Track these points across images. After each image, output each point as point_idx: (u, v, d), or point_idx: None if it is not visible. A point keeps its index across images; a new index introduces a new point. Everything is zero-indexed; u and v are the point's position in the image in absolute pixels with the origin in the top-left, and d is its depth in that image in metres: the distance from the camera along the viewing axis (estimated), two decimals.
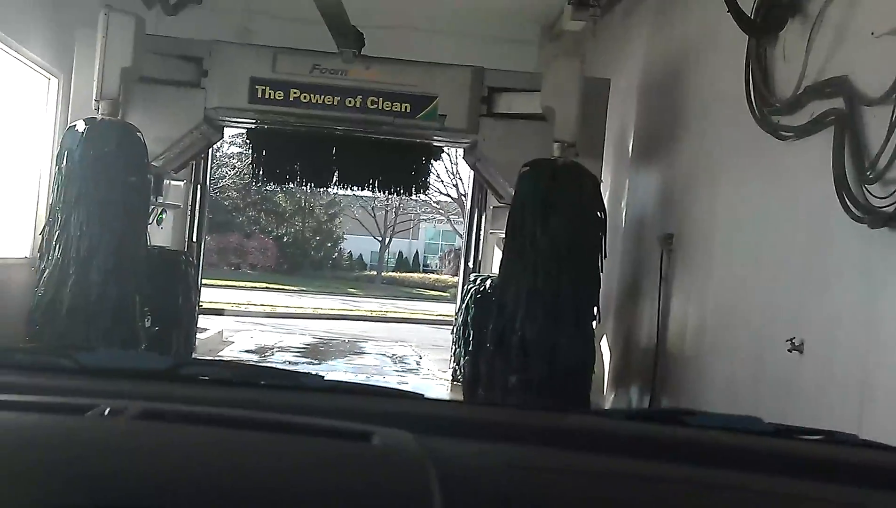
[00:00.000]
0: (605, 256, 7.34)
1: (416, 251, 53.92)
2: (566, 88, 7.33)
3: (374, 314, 27.79)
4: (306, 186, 9.76)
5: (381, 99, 8.08)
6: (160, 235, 9.88)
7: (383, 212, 47.01)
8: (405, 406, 1.68)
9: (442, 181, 33.43)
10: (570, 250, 7.04)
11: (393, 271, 48.77)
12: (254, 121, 8.56)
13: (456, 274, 48.10)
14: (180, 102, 8.07)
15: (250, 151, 9.23)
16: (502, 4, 10.28)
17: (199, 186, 11.48)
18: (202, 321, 18.12)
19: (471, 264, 11.89)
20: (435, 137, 8.62)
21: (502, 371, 7.01)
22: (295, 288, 37.94)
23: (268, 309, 25.57)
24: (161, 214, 9.90)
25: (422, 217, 49.51)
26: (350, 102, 8.08)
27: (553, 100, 7.43)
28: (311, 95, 8.07)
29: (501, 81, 8.27)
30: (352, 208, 48.10)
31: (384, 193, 10.13)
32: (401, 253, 52.77)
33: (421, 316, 28.67)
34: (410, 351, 17.49)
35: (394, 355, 16.97)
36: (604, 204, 7.35)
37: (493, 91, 8.21)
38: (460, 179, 32.38)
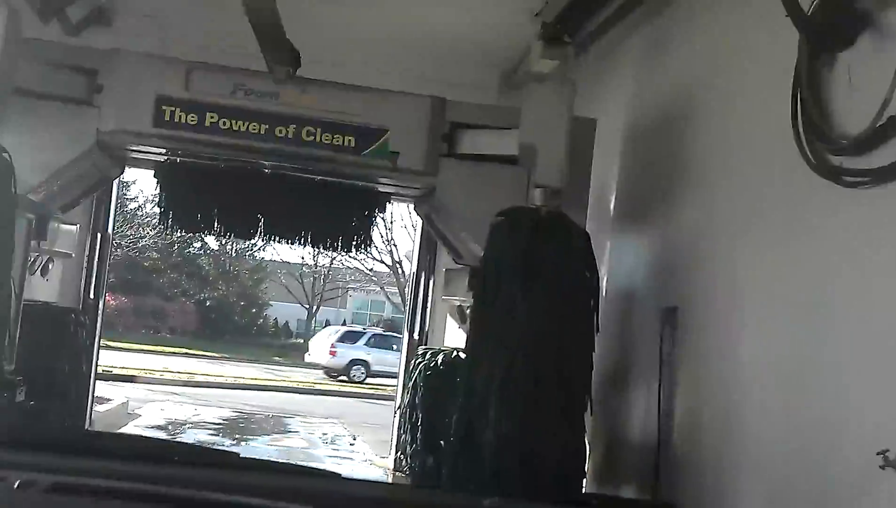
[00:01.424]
0: (598, 330, 5.86)
1: (344, 320, 52.80)
2: (552, 122, 5.92)
3: (300, 386, 25.89)
4: (225, 234, 8.13)
5: (318, 130, 6.58)
6: (45, 288, 8.19)
7: (311, 279, 45.56)
8: (321, 485, 1.70)
9: (376, 247, 31.87)
10: (557, 321, 5.56)
11: None
12: (160, 151, 6.94)
13: None
14: (67, 122, 6.47)
15: (157, 188, 7.61)
16: (459, 44, 8.88)
17: (99, 235, 9.79)
18: (107, 389, 16.23)
19: (416, 336, 10.32)
20: (383, 181, 7.10)
21: (470, 471, 5.44)
22: (216, 355, 36.12)
23: (184, 377, 23.59)
24: (46, 262, 8.20)
25: (351, 285, 48.19)
26: (281, 131, 6.57)
27: (535, 136, 6.00)
28: (233, 121, 6.54)
29: (466, 116, 6.83)
30: (279, 274, 46.78)
31: (318, 247, 8.54)
32: (328, 321, 51.54)
33: (351, 388, 26.87)
34: (342, 430, 15.88)
35: (324, 434, 15.37)
36: (596, 266, 5.89)
37: (455, 127, 6.77)
38: (395, 245, 30.86)
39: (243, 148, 6.60)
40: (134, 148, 6.88)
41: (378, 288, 43.59)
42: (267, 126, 6.55)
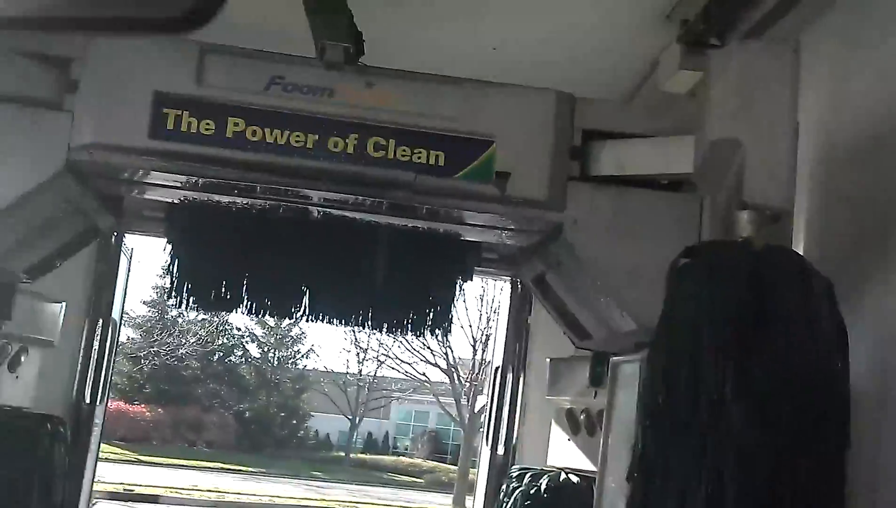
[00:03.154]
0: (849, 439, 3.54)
1: (387, 432, 50.88)
2: (770, 108, 3.76)
3: (342, 507, 23.31)
4: (255, 311, 5.97)
5: (392, 142, 4.48)
6: (14, 387, 6.12)
7: (355, 387, 43.53)
8: None
9: (429, 348, 29.47)
10: (800, 418, 3.30)
11: (361, 453, 45.01)
12: (162, 180, 4.83)
13: (429, 458, 44.43)
14: (26, 135, 4.43)
15: (166, 245, 5.57)
16: (565, 62, 6.69)
17: (100, 321, 7.64)
18: None
19: (499, 451, 7.95)
20: (479, 221, 4.93)
21: None
22: (254, 469, 33.81)
23: (214, 496, 21.22)
24: (17, 353, 6.16)
25: (396, 394, 46.02)
26: (336, 144, 4.47)
27: (738, 130, 3.82)
28: (267, 130, 4.45)
29: (606, 120, 4.70)
30: (321, 383, 44.95)
31: (380, 330, 6.30)
32: (370, 434, 49.61)
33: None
34: None
35: None
36: (846, 328, 3.60)
37: (590, 137, 4.62)
38: (450, 346, 28.40)
39: (281, 170, 4.47)
40: (125, 175, 4.76)
41: (428, 397, 41.09)
42: (317, 137, 4.46)
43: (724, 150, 3.92)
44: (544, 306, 5.81)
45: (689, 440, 3.37)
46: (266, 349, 46.51)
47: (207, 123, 4.43)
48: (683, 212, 4.44)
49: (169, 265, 5.63)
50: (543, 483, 6.23)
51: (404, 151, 4.46)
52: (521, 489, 6.35)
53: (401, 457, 46.25)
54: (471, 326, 26.72)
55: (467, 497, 25.39)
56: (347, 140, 4.44)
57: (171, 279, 5.64)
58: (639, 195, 4.55)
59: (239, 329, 46.36)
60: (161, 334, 39.47)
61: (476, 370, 27.89)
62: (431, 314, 5.92)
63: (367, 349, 41.34)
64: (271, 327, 46.09)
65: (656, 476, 3.48)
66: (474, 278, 6.40)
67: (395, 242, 5.42)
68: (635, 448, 3.65)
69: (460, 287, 5.96)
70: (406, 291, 5.82)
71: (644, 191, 4.55)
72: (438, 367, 29.31)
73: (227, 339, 45.74)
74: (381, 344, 38.12)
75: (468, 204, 4.62)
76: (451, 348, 28.42)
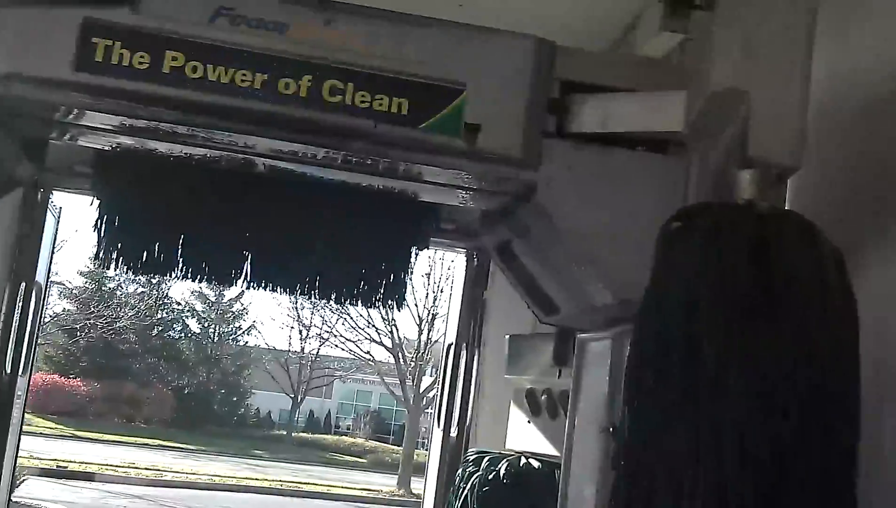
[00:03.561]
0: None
1: (329, 411, 50.54)
2: (779, 49, 3.36)
3: (284, 487, 22.74)
4: (191, 276, 5.46)
5: (350, 86, 4.01)
6: None
7: (297, 365, 42.98)
8: None
9: (374, 327, 28.90)
10: (806, 391, 2.91)
11: (303, 432, 44.54)
12: (86, 119, 4.28)
13: (371, 438, 44.08)
14: None
15: (94, 199, 5.03)
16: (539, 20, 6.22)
17: (23, 285, 7.05)
18: (54, 490, 13.41)
19: (452, 432, 7.53)
20: (439, 179, 4.47)
21: None
22: (193, 447, 33.11)
23: (151, 475, 20.55)
24: None
25: (338, 373, 45.55)
26: (288, 86, 3.99)
27: (740, 77, 3.42)
28: (210, 67, 3.95)
29: (586, 71, 4.27)
30: (263, 360, 44.36)
31: (329, 298, 5.80)
32: (312, 412, 49.23)
33: (341, 490, 23.72)
34: None
35: None
36: (855, 299, 3.21)
37: (570, 90, 4.18)
38: (395, 325, 27.90)
39: (223, 112, 3.97)
40: (46, 114, 4.21)
41: (371, 377, 40.60)
42: (266, 76, 3.97)
43: (725, 102, 3.51)
44: (507, 278, 5.36)
45: (685, 428, 2.96)
46: (206, 325, 45.73)
47: (142, 56, 3.91)
48: (669, 174, 4.03)
49: (96, 221, 5.10)
50: (502, 467, 5.84)
51: (363, 96, 3.98)
52: (478, 474, 5.94)
53: (343, 437, 45.83)
54: (416, 305, 26.32)
55: (412, 479, 25.04)
56: (300, 82, 3.94)
57: (98, 237, 5.11)
58: (621, 155, 4.12)
59: (179, 304, 45.60)
60: (98, 306, 38.51)
61: (422, 350, 27.50)
62: (384, 285, 5.47)
63: (309, 327, 40.80)
64: (212, 302, 45.37)
65: (644, 467, 3.07)
66: (428, 248, 5.96)
67: (347, 202, 4.95)
68: (619, 435, 3.24)
69: (416, 255, 5.52)
70: (357, 257, 5.36)
71: (627, 151, 4.12)
72: (384, 346, 28.83)
73: (166, 313, 44.91)
74: (324, 321, 37.59)
75: (432, 159, 4.15)
76: (396, 326, 27.98)
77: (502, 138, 4.04)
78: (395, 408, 48.92)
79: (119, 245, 5.16)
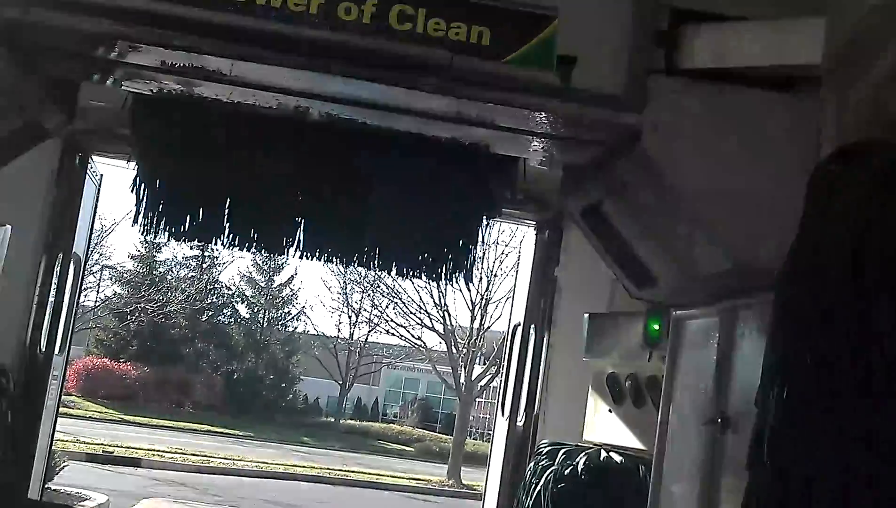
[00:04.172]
0: None
1: (376, 399, 50.32)
2: None
3: (333, 475, 22.28)
4: (240, 245, 4.95)
5: (421, 10, 3.40)
6: None
7: (346, 352, 42.62)
8: None
9: (426, 311, 28.25)
10: None
11: (351, 419, 44.27)
12: (118, 53, 3.74)
13: (418, 426, 43.64)
14: None
15: (132, 156, 4.53)
16: None
17: (60, 255, 6.62)
18: (101, 477, 13.13)
19: (518, 422, 6.94)
20: (526, 124, 3.88)
21: None
22: (241, 433, 32.84)
23: (198, 461, 20.19)
24: None
25: (386, 360, 45.12)
26: (349, 10, 3.38)
27: None
28: None
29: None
30: (312, 346, 44.08)
31: (392, 271, 5.24)
32: (359, 399, 49.03)
33: (391, 479, 23.22)
34: None
35: None
36: None
37: (680, 19, 3.57)
38: (446, 310, 27.24)
39: (274, 41, 3.39)
40: (71, 44, 3.67)
41: (419, 364, 40.04)
42: (323, 1, 3.38)
43: (882, 25, 2.85)
44: (594, 247, 4.75)
45: (853, 419, 2.32)
46: (256, 310, 45.46)
47: None
48: (800, 116, 3.38)
49: (134, 180, 4.58)
50: (581, 461, 5.23)
51: (437, 24, 3.38)
52: (553, 468, 5.35)
53: (390, 424, 45.34)
54: (469, 290, 25.59)
55: (462, 469, 24.49)
56: (363, 7, 3.35)
57: (137, 199, 4.60)
58: (742, 95, 3.48)
59: (229, 289, 45.42)
60: (149, 290, 38.38)
61: (474, 337, 26.85)
62: (450, 256, 4.89)
63: (359, 311, 40.32)
64: (262, 286, 45.14)
65: (796, 467, 2.43)
66: (501, 217, 5.39)
67: (411, 158, 4.39)
68: (760, 428, 2.59)
69: (487, 223, 4.94)
70: (422, 224, 4.81)
71: (750, 90, 3.48)
72: (435, 331, 28.10)
73: (216, 298, 44.76)
74: (374, 306, 37.05)
75: (517, 98, 3.54)
76: (448, 312, 27.32)
77: (601, 74, 3.44)
78: (442, 396, 48.40)
79: (160, 208, 4.66)
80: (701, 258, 3.68)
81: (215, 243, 4.95)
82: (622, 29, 3.48)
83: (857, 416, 2.28)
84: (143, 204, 4.68)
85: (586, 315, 5.68)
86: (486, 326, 26.93)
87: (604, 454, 5.33)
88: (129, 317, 38.40)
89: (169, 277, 42.62)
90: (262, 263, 44.24)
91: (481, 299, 26.20)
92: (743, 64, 3.50)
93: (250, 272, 44.82)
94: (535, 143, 4.00)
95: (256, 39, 3.40)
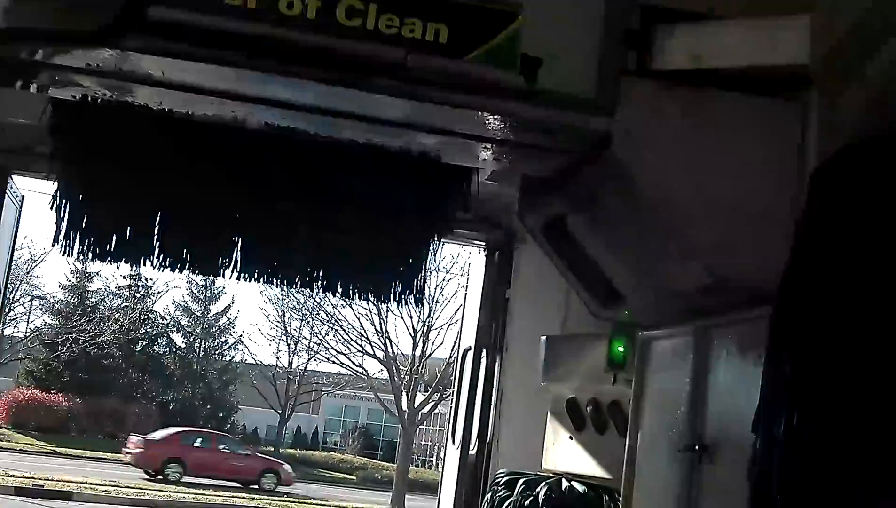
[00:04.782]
0: None
1: (317, 427, 49.93)
2: None
3: (275, 505, 21.71)
4: (172, 265, 4.57)
5: (371, 5, 3.09)
6: None
7: (285, 380, 42.09)
8: None
9: (368, 339, 27.79)
10: None
11: (291, 448, 43.67)
12: (30, 55, 3.38)
13: (360, 454, 43.16)
14: None
15: (51, 166, 4.14)
16: None
17: None
18: None
19: (471, 449, 6.62)
20: (484, 130, 3.58)
21: None
22: None
23: (132, 494, 19.50)
24: None
25: (327, 388, 44.69)
26: (291, 5, 3.06)
27: None
28: None
29: None
30: (250, 375, 43.49)
31: (338, 292, 4.88)
32: (299, 428, 48.56)
33: None
34: None
35: None
36: None
37: (653, 18, 3.32)
38: (388, 337, 26.84)
39: (209, 38, 3.06)
40: None
41: (359, 392, 39.51)
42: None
43: (876, 24, 2.63)
44: (554, 262, 4.47)
45: (885, 446, 2.05)
46: (192, 339, 44.70)
47: None
48: (784, 122, 3.14)
49: (54, 195, 4.19)
50: (541, 492, 4.93)
51: (390, 20, 3.09)
52: (512, 499, 5.04)
53: (331, 453, 44.82)
54: (411, 317, 25.26)
55: (407, 497, 24.05)
56: (308, 1, 3.04)
57: (58, 216, 4.20)
58: (720, 98, 3.24)
59: (164, 318, 44.64)
60: (80, 320, 37.41)
61: (416, 364, 26.49)
62: (400, 276, 4.58)
63: (298, 339, 39.76)
64: (198, 316, 44.42)
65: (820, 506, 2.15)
66: (452, 235, 5.07)
67: (358, 170, 4.07)
68: (764, 459, 2.31)
69: (438, 242, 4.62)
70: (370, 241, 4.48)
71: (727, 93, 3.24)
72: (377, 358, 27.61)
73: (150, 328, 43.90)
74: (313, 333, 36.52)
75: (479, 100, 3.25)
76: (389, 338, 26.91)
77: (569, 75, 3.17)
78: (383, 424, 47.96)
79: (83, 226, 4.25)
80: (675, 274, 3.42)
81: (144, 264, 4.55)
82: (591, 27, 3.22)
83: (889, 442, 2.02)
84: (64, 222, 4.28)
85: (544, 338, 5.40)
86: (428, 353, 26.61)
87: (565, 483, 5.03)
88: (60, 348, 37.41)
89: (101, 307, 41.71)
90: (198, 292, 43.65)
91: (423, 325, 25.91)
92: (721, 65, 3.27)
93: (186, 302, 44.18)
94: (493, 152, 3.71)
95: (189, 37, 3.06)
